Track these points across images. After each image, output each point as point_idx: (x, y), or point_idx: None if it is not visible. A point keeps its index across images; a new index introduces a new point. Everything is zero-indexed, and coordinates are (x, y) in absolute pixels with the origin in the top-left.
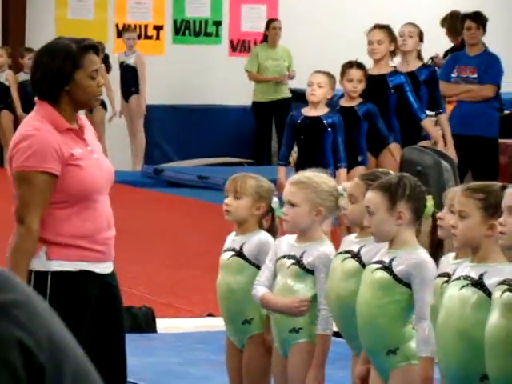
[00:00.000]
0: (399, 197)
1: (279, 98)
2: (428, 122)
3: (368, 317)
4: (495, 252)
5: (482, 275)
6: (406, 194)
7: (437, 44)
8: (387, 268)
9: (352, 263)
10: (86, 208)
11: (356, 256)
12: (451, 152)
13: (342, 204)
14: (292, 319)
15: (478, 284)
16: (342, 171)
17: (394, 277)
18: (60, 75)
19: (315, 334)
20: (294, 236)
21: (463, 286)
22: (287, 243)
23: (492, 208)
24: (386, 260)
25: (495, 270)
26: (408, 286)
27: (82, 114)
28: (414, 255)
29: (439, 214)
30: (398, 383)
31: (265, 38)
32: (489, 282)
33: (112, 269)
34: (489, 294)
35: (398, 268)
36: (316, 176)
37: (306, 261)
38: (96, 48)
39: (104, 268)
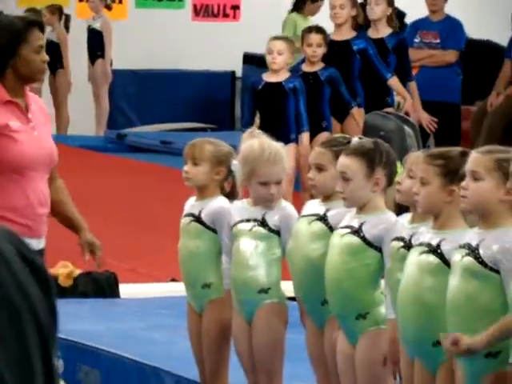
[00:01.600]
0: (377, 163)
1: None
2: (394, 80)
3: (337, 281)
4: (455, 218)
5: (440, 242)
6: (383, 160)
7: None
8: (357, 232)
9: (319, 225)
10: (15, 181)
11: (323, 218)
12: (421, 114)
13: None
14: (260, 280)
15: (436, 251)
16: (305, 135)
17: (365, 241)
18: (5, 49)
19: (282, 294)
20: (245, 200)
21: (422, 253)
22: (240, 208)
23: (451, 174)
24: (356, 225)
25: (453, 236)
26: (378, 249)
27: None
28: (384, 219)
29: (397, 179)
30: (366, 347)
31: (295, 8)
32: (445, 248)
33: (42, 246)
34: (445, 260)
35: (369, 232)
36: (281, 147)
37: (270, 222)
38: (41, 25)
39: (31, 244)
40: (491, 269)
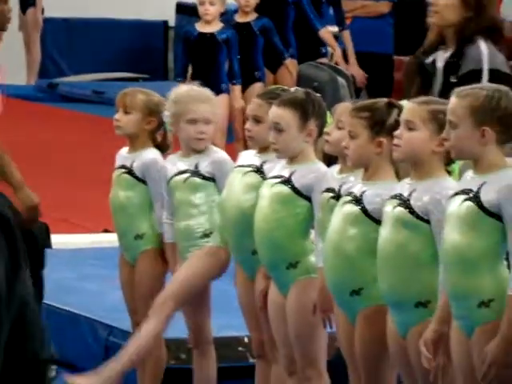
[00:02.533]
0: (310, 114)
1: None
2: (325, 32)
3: (267, 231)
4: (384, 170)
5: (363, 193)
6: (315, 111)
7: None
8: (287, 181)
9: (254, 176)
10: None
11: (259, 170)
12: (355, 69)
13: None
14: (202, 226)
15: (358, 201)
16: (237, 88)
17: (294, 190)
18: None
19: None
20: (178, 153)
21: (346, 203)
22: (174, 161)
23: (378, 125)
24: (286, 174)
25: (379, 187)
26: (308, 199)
27: None
28: (314, 169)
29: (326, 129)
30: (297, 296)
31: None
32: (367, 199)
33: None
34: (366, 211)
35: (299, 181)
36: (210, 93)
37: (203, 170)
38: None
39: None
40: (422, 219)
